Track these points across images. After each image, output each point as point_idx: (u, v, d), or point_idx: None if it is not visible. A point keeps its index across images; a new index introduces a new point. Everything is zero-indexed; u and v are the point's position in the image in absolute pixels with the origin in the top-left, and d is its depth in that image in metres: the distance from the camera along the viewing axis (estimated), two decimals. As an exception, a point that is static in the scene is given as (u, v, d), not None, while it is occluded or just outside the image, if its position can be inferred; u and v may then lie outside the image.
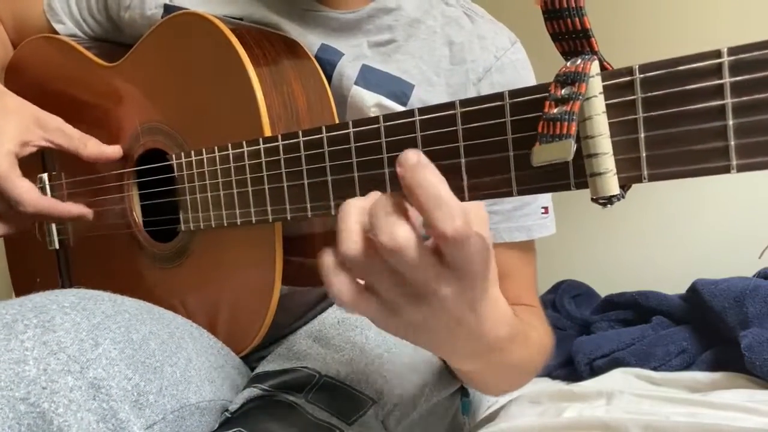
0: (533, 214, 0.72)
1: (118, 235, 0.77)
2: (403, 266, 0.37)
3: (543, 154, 0.36)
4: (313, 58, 0.69)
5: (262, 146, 0.56)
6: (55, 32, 0.85)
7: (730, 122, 0.33)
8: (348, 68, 0.69)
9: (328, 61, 0.70)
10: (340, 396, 0.61)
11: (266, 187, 0.56)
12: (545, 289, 1.49)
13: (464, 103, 0.41)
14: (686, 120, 0.34)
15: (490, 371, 0.56)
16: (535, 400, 0.96)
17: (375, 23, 0.71)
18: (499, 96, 0.40)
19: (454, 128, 0.42)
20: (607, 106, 0.36)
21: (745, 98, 0.32)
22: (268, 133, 0.61)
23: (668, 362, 1.13)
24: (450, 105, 0.42)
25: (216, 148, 0.61)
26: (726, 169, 0.33)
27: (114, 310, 0.55)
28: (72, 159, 0.73)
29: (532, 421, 0.86)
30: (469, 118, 0.41)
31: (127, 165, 0.75)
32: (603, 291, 1.45)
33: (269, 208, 0.56)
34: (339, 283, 0.40)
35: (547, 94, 0.37)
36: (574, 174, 0.38)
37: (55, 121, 0.73)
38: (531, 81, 0.74)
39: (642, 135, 0.35)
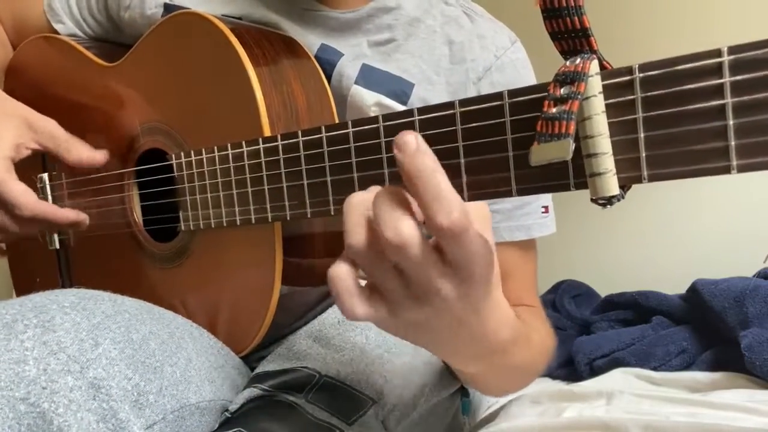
0: (533, 214, 0.72)
1: (118, 235, 0.77)
2: (406, 263, 0.37)
3: (541, 154, 0.36)
4: (313, 58, 0.69)
5: (261, 146, 0.56)
6: (55, 32, 0.85)
7: (731, 122, 0.33)
8: (348, 68, 0.69)
9: (327, 61, 0.70)
10: (340, 396, 0.61)
11: (266, 187, 0.56)
12: (545, 289, 1.49)
13: (463, 102, 0.41)
14: (686, 120, 0.34)
15: (492, 373, 0.56)
16: (536, 400, 0.96)
17: (375, 22, 0.71)
18: (498, 96, 0.40)
19: (454, 128, 0.42)
20: (607, 105, 0.36)
21: (745, 98, 0.32)
22: (267, 132, 0.61)
23: (668, 362, 1.13)
24: (449, 105, 0.42)
25: (215, 147, 0.61)
26: (726, 170, 0.33)
27: (114, 310, 0.55)
28: (72, 159, 0.73)
29: (532, 421, 0.86)
30: (468, 118, 0.41)
31: (127, 165, 0.75)
32: (603, 291, 1.45)
33: (269, 208, 0.56)
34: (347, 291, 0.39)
35: (546, 94, 0.37)
36: (573, 174, 0.38)
37: (47, 125, 0.72)
38: (531, 80, 0.74)
39: (642, 135, 0.35)
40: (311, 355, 0.65)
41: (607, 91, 0.36)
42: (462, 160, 0.41)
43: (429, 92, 0.70)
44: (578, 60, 0.36)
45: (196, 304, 0.70)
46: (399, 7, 0.71)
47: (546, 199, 0.73)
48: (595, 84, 0.36)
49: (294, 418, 0.59)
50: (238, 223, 0.60)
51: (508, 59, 0.72)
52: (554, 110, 0.36)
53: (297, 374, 0.63)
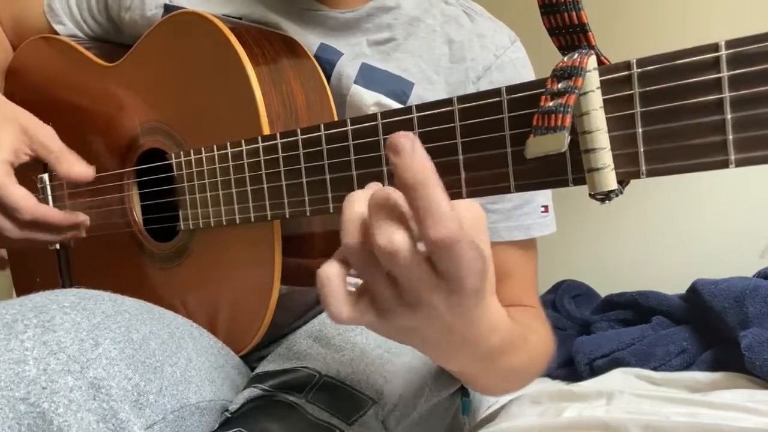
0: (533, 213, 0.72)
1: (118, 234, 0.77)
2: (397, 270, 0.37)
3: (537, 147, 0.36)
4: (312, 58, 0.69)
5: (260, 145, 0.56)
6: (55, 33, 0.86)
7: (728, 116, 0.33)
8: (347, 67, 0.69)
9: (327, 61, 0.70)
10: (340, 396, 0.61)
11: (265, 185, 0.56)
12: (545, 289, 1.49)
13: (462, 99, 0.41)
14: (684, 114, 0.34)
15: (486, 375, 0.56)
16: (536, 400, 0.96)
17: (374, 22, 0.71)
18: (496, 92, 0.40)
19: (452, 125, 0.42)
20: (605, 101, 0.36)
21: (743, 92, 0.32)
22: (266, 131, 0.61)
23: (668, 362, 1.13)
24: (447, 101, 0.42)
25: (215, 147, 0.61)
26: (724, 164, 0.33)
27: (114, 309, 0.55)
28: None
29: (532, 421, 0.86)
30: (466, 115, 0.41)
31: (127, 165, 0.75)
32: (603, 291, 1.45)
33: (268, 206, 0.57)
34: (332, 291, 0.39)
35: (543, 89, 0.37)
36: (572, 169, 0.38)
37: (43, 132, 0.71)
38: (531, 79, 0.74)
39: (640, 130, 0.35)
40: (311, 355, 0.65)
41: (605, 86, 0.36)
42: (460, 157, 0.41)
43: (428, 91, 0.70)
44: (576, 55, 0.36)
45: (196, 303, 0.70)
46: (398, 6, 0.71)
47: (545, 198, 0.73)
48: (592, 79, 0.36)
49: (294, 418, 0.59)
50: (237, 221, 0.60)
51: (507, 58, 0.72)
52: (551, 104, 0.36)
53: (297, 374, 0.63)
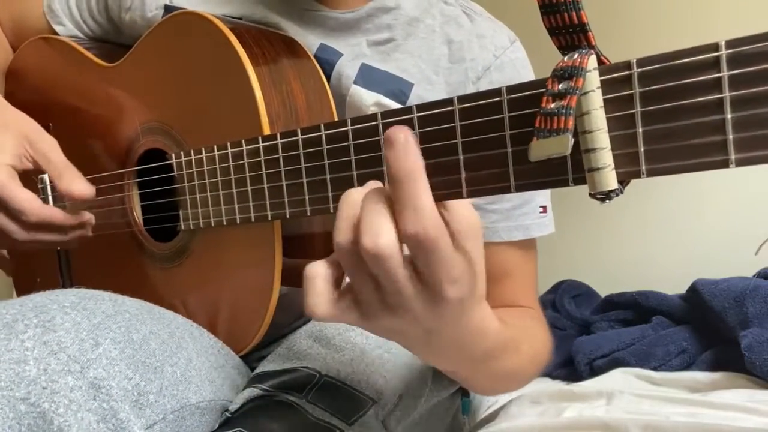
0: (532, 213, 0.72)
1: (118, 234, 0.77)
2: (380, 272, 0.37)
3: (540, 150, 0.36)
4: (312, 58, 0.69)
5: (260, 145, 0.56)
6: (55, 34, 0.86)
7: (729, 116, 0.33)
8: (347, 67, 0.70)
9: (327, 61, 0.70)
10: (340, 396, 0.61)
11: (265, 185, 0.56)
12: (545, 289, 1.49)
13: (462, 99, 0.41)
14: (684, 114, 0.34)
15: (477, 376, 0.56)
16: (536, 400, 0.96)
17: (374, 22, 0.71)
18: (496, 92, 0.40)
19: (452, 125, 0.42)
20: (605, 100, 0.36)
21: (743, 91, 0.32)
22: (267, 131, 0.61)
23: (668, 362, 1.13)
24: (448, 101, 0.42)
25: (215, 147, 0.61)
26: (725, 164, 0.33)
27: (114, 309, 0.55)
28: (72, 160, 0.73)
29: (532, 421, 0.86)
30: (466, 115, 0.41)
31: (127, 165, 0.75)
32: (603, 291, 1.45)
33: (268, 206, 0.57)
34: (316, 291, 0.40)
35: (544, 90, 0.37)
36: (572, 169, 0.38)
37: (45, 143, 0.70)
38: (530, 79, 0.74)
39: (640, 129, 0.35)
40: (311, 355, 0.65)
41: (605, 86, 0.36)
42: (461, 157, 0.41)
43: (428, 92, 0.70)
44: (576, 55, 0.36)
45: (196, 303, 0.70)
46: (398, 6, 0.72)
47: (544, 198, 0.73)
48: (593, 79, 0.36)
49: (294, 418, 0.59)
50: (237, 221, 0.60)
51: (507, 59, 0.72)
52: (552, 106, 0.35)
53: (297, 374, 0.63)
